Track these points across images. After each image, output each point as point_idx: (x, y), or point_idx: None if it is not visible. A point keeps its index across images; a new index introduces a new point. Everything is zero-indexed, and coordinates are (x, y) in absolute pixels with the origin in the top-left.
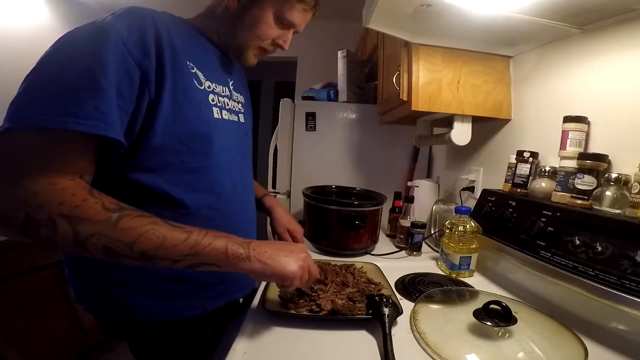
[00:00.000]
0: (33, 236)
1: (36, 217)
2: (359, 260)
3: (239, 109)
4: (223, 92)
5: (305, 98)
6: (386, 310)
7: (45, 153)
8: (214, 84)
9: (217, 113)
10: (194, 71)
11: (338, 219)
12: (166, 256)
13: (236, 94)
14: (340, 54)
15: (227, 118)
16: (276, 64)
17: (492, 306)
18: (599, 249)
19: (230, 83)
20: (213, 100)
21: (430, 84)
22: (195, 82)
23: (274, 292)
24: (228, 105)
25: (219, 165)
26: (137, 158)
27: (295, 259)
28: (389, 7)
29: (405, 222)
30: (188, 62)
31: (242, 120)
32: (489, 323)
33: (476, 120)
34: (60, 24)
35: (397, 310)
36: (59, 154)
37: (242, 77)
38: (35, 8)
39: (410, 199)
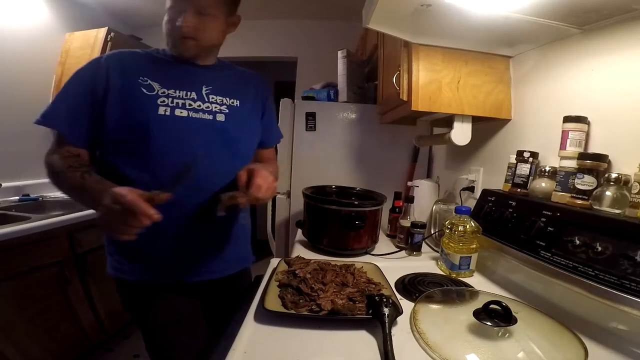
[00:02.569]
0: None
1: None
2: (359, 260)
3: (217, 109)
4: (186, 96)
5: (305, 98)
6: (386, 310)
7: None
8: (170, 90)
9: (165, 111)
10: (147, 83)
11: (338, 219)
12: (66, 183)
13: (215, 97)
14: (340, 54)
15: (182, 115)
16: (276, 64)
17: (492, 306)
18: (599, 249)
19: (204, 89)
20: (163, 101)
21: (430, 84)
22: (144, 90)
23: (274, 292)
24: (192, 105)
25: (160, 151)
26: (106, 145)
27: (101, 208)
28: (389, 7)
29: (405, 222)
30: (141, 78)
31: (220, 119)
32: (489, 323)
33: (476, 120)
34: (60, 24)
35: (397, 310)
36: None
37: (236, 83)
38: (35, 8)
39: (410, 199)
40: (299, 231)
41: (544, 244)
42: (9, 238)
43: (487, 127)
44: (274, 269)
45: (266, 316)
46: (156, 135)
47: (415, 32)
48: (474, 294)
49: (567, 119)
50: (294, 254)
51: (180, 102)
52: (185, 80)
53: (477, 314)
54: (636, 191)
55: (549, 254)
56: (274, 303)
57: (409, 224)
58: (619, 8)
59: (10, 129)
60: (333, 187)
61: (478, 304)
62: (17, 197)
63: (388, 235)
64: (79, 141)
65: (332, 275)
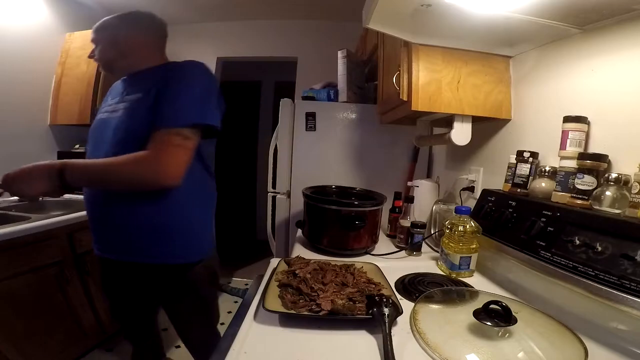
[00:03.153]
0: None
1: None
2: (359, 260)
3: (124, 106)
4: (113, 103)
5: (305, 98)
6: (386, 310)
7: None
8: (110, 101)
9: (97, 119)
10: (107, 98)
11: (338, 219)
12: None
13: (128, 97)
14: (340, 54)
15: (102, 117)
16: (276, 64)
17: (492, 306)
18: (599, 249)
19: (124, 93)
20: (100, 111)
21: (430, 84)
22: (102, 106)
23: (274, 292)
24: (110, 108)
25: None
26: None
27: None
28: (389, 7)
29: (405, 222)
30: (108, 97)
31: (120, 114)
32: (489, 323)
33: (476, 120)
34: (60, 24)
35: (397, 310)
36: None
37: (146, 79)
38: (35, 8)
39: (410, 199)
40: (299, 231)
41: (544, 244)
42: (9, 238)
43: (487, 127)
44: (274, 269)
45: (266, 316)
46: (89, 141)
47: (415, 32)
48: (474, 294)
49: (567, 119)
50: (294, 254)
51: (107, 107)
52: (119, 92)
53: (477, 314)
54: (636, 191)
55: (549, 254)
56: (274, 303)
57: (409, 224)
58: (619, 8)
59: (10, 129)
60: (333, 187)
61: (478, 304)
62: (17, 197)
63: (388, 235)
64: None
65: (332, 275)
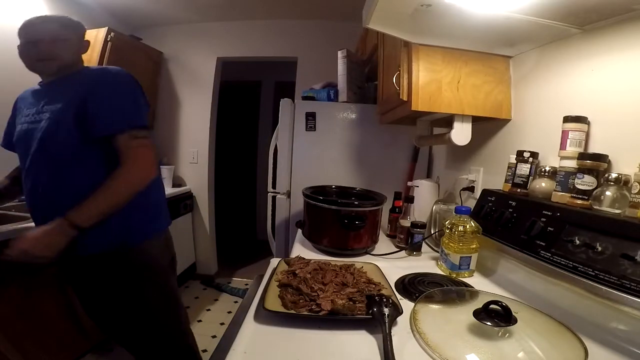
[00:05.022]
0: None
1: None
2: (359, 260)
3: (46, 116)
4: (30, 113)
5: (305, 98)
6: (386, 310)
7: None
8: (27, 111)
9: (18, 129)
10: (21, 107)
11: (338, 219)
12: None
13: (48, 107)
14: (340, 54)
15: (22, 128)
16: (276, 64)
17: (492, 306)
18: (599, 249)
19: (42, 102)
20: (19, 122)
21: (430, 84)
22: (18, 114)
23: (274, 292)
24: (30, 118)
25: (23, 170)
26: None
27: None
28: (389, 7)
29: (405, 222)
30: (20, 105)
31: (43, 124)
32: (489, 323)
33: (476, 120)
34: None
35: (397, 310)
36: None
37: (67, 87)
38: (35, 8)
39: (410, 199)
40: (299, 231)
41: (544, 244)
42: (8, 238)
43: (487, 127)
44: (274, 269)
45: (266, 316)
46: (18, 154)
47: (415, 32)
48: (474, 294)
49: (567, 119)
50: (294, 254)
51: (24, 118)
52: (33, 102)
53: (477, 314)
54: (636, 191)
55: (549, 254)
56: (274, 303)
57: (409, 224)
58: (619, 8)
59: None
60: (333, 187)
61: (478, 304)
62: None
63: (388, 235)
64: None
65: (332, 275)
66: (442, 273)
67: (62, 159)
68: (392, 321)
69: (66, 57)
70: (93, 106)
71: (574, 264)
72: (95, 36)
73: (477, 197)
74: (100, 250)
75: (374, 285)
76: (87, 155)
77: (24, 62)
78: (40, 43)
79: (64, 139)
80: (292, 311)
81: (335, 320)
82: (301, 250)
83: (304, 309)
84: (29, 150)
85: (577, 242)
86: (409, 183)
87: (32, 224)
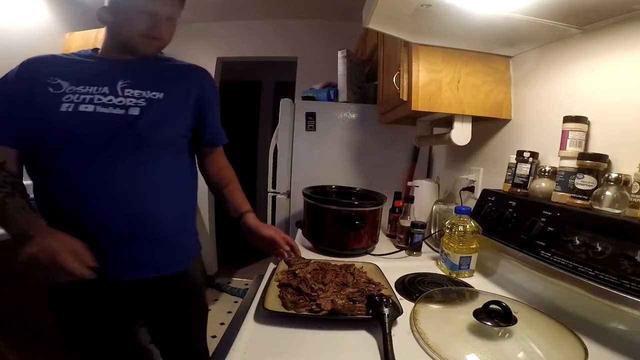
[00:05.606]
0: None
1: None
2: (359, 260)
3: (133, 103)
4: (97, 91)
5: (305, 98)
6: (386, 310)
7: None
8: (80, 87)
9: (68, 107)
10: (55, 82)
11: (338, 219)
12: None
13: (132, 91)
14: (340, 54)
15: (87, 110)
16: (276, 64)
17: (492, 306)
18: (599, 249)
19: (120, 83)
20: (68, 98)
21: (430, 84)
22: (51, 89)
23: (274, 292)
24: (101, 100)
25: (58, 146)
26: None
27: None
28: (389, 7)
29: (405, 222)
30: (51, 78)
31: (133, 112)
32: (489, 323)
33: (476, 120)
34: (60, 24)
35: (397, 310)
36: None
37: (160, 75)
38: (35, 8)
39: (410, 199)
40: (299, 231)
41: (544, 244)
42: (8, 238)
43: (487, 127)
44: (274, 269)
45: (266, 316)
46: (55, 131)
47: (415, 32)
48: (474, 294)
49: (567, 119)
50: None
51: (88, 97)
52: (99, 76)
53: (477, 314)
54: (636, 191)
55: (549, 254)
56: (274, 303)
57: (409, 224)
58: (619, 8)
59: None
60: (333, 187)
61: (478, 304)
62: None
63: (388, 235)
64: (5, 137)
65: (332, 275)
66: (442, 273)
67: (157, 156)
68: (392, 321)
69: (168, 40)
70: (213, 113)
71: (574, 264)
72: (95, 36)
73: (477, 197)
74: (173, 272)
75: (374, 285)
76: (180, 156)
77: (122, 32)
78: (157, 17)
79: (166, 134)
80: (292, 311)
81: (335, 320)
82: (301, 250)
83: (304, 309)
84: (95, 139)
85: (577, 242)
86: (409, 183)
87: None
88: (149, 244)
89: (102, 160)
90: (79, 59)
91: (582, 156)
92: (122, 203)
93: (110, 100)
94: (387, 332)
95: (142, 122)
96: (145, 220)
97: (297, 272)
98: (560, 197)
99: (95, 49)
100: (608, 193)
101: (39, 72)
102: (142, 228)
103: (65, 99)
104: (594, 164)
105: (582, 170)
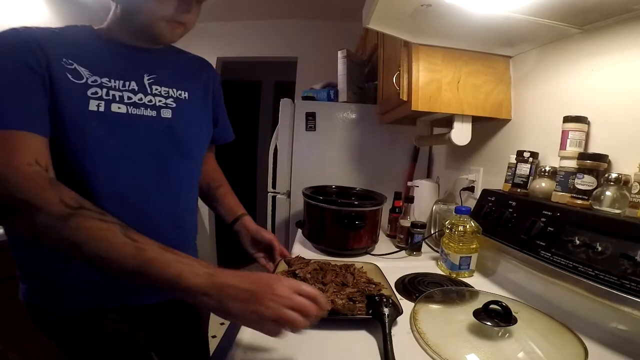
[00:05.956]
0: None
1: (9, 203)
2: (359, 260)
3: (164, 103)
4: (124, 87)
5: (305, 98)
6: (386, 310)
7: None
8: (105, 79)
9: (98, 106)
10: (72, 67)
11: (338, 219)
12: (107, 267)
13: (159, 88)
14: (340, 54)
15: (120, 111)
16: (276, 64)
17: (492, 306)
18: (599, 249)
19: (147, 78)
20: (95, 93)
21: (430, 84)
22: (70, 76)
23: None
24: (131, 99)
25: (103, 161)
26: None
27: (268, 307)
28: (389, 7)
29: (405, 222)
30: (65, 60)
31: (165, 115)
32: (489, 323)
33: (476, 120)
34: (60, 24)
35: (397, 310)
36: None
37: (184, 71)
38: (35, 8)
39: (410, 199)
40: (299, 231)
41: (544, 244)
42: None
43: (487, 127)
44: (274, 270)
45: None
46: (85, 134)
47: (415, 32)
48: (474, 294)
49: (567, 119)
50: (294, 254)
51: (117, 94)
52: (122, 67)
53: (477, 314)
54: (636, 191)
55: (549, 254)
56: None
57: (409, 224)
58: (619, 8)
59: None
60: (333, 187)
61: (478, 304)
62: None
63: (388, 235)
64: (39, 127)
65: (332, 275)
66: (442, 273)
67: (197, 165)
68: (392, 321)
69: (191, 28)
70: (223, 110)
71: (574, 264)
72: None
73: (477, 197)
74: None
75: (374, 285)
76: (201, 161)
77: (141, 15)
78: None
79: (198, 139)
80: None
81: (335, 320)
82: (301, 250)
83: None
84: (138, 144)
85: (577, 242)
86: (409, 183)
87: None
88: None
89: (141, 173)
90: (87, 39)
91: (582, 156)
92: (163, 223)
93: (141, 99)
94: (387, 332)
95: (179, 128)
96: (178, 239)
97: (297, 272)
98: (560, 197)
99: (89, 27)
100: (608, 193)
101: (53, 48)
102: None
103: (92, 94)
104: (594, 164)
105: (582, 170)
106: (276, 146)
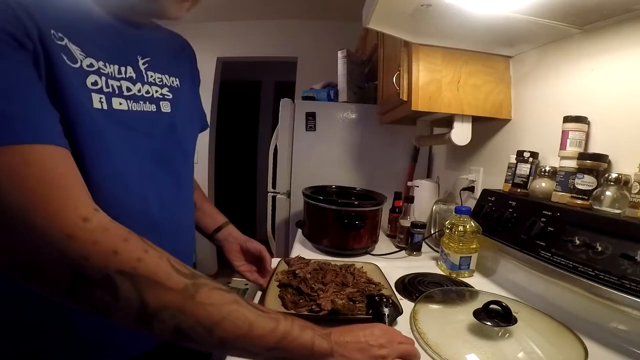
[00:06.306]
0: (83, 302)
1: (90, 275)
2: (359, 261)
3: (161, 94)
4: (120, 73)
5: (305, 98)
6: (386, 310)
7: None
8: (101, 62)
9: (100, 102)
10: (63, 43)
11: (338, 219)
12: (247, 347)
13: (155, 75)
14: (340, 54)
15: (122, 108)
16: (276, 64)
17: (492, 306)
18: (599, 249)
19: (142, 61)
20: (96, 83)
21: (430, 84)
22: (65, 57)
23: (274, 292)
24: (131, 90)
25: (115, 175)
26: None
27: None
28: (389, 7)
29: (405, 222)
30: (53, 32)
31: (165, 109)
32: (489, 323)
33: (476, 120)
34: None
35: (397, 310)
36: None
37: (173, 53)
38: None
39: (410, 199)
40: (299, 231)
41: (544, 244)
42: None
43: (487, 127)
44: (274, 269)
45: None
46: (87, 138)
47: (415, 32)
48: (474, 294)
49: (567, 119)
50: (294, 254)
51: (115, 84)
52: (116, 46)
53: (477, 314)
54: (636, 191)
55: (549, 254)
56: (274, 303)
57: (409, 224)
58: (619, 8)
59: None
60: (333, 187)
61: (478, 304)
62: None
63: (388, 235)
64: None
65: (332, 275)
66: (442, 273)
67: (187, 164)
68: (392, 321)
69: (198, 3)
70: (199, 98)
71: (574, 264)
72: None
73: (477, 197)
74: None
75: (374, 286)
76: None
77: None
78: None
79: (194, 138)
80: (292, 311)
81: (336, 320)
82: (301, 250)
83: (304, 309)
84: (144, 150)
85: (577, 242)
86: (409, 183)
87: None
88: None
89: (156, 187)
90: (71, 3)
91: (582, 156)
92: (182, 235)
93: (139, 90)
94: None
95: (179, 124)
96: (191, 249)
97: (297, 272)
98: (560, 197)
99: None
100: (608, 193)
101: (41, 14)
102: None
103: (92, 85)
104: (594, 164)
105: (582, 170)
106: (276, 146)
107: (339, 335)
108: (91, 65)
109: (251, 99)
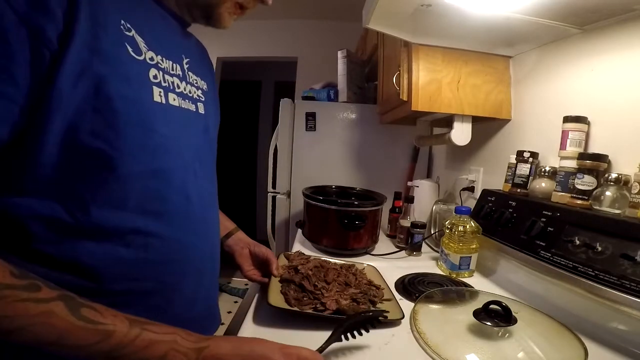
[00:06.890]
0: None
1: None
2: (359, 261)
3: (197, 95)
4: (172, 70)
5: (305, 98)
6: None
7: None
8: (159, 57)
9: (160, 96)
10: (130, 34)
11: (338, 219)
12: (70, 354)
13: (193, 76)
14: (340, 54)
15: (175, 104)
16: (276, 64)
17: (492, 306)
18: (599, 249)
19: (185, 61)
20: (156, 77)
21: (430, 84)
22: (130, 50)
23: (276, 288)
24: (179, 87)
25: (162, 170)
26: (25, 168)
27: None
28: (389, 7)
29: (405, 222)
30: (123, 22)
31: (201, 110)
32: (489, 323)
33: (476, 120)
34: None
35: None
36: None
37: (201, 57)
38: None
39: (410, 199)
40: (299, 231)
41: (544, 244)
42: None
43: (487, 127)
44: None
45: (266, 316)
46: (156, 139)
47: (415, 32)
48: (474, 294)
49: (567, 119)
50: None
51: (170, 80)
52: (171, 43)
53: (477, 314)
54: (636, 191)
55: (549, 254)
56: (276, 299)
57: (409, 224)
58: (619, 8)
59: None
60: (333, 187)
61: (478, 304)
62: None
63: (388, 235)
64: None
65: (334, 274)
66: (442, 273)
67: (215, 165)
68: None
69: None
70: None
71: (574, 264)
72: None
73: (477, 197)
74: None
75: (375, 288)
76: None
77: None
78: None
79: (216, 137)
80: (296, 308)
81: (337, 320)
82: (301, 250)
83: (307, 307)
84: (166, 141)
85: (577, 242)
86: (409, 183)
87: None
88: (215, 294)
89: (190, 182)
90: None
91: (582, 156)
92: (217, 238)
93: (185, 89)
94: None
95: (212, 127)
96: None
97: (298, 267)
98: (560, 197)
99: None
100: (608, 193)
101: (101, 2)
102: (215, 284)
103: (153, 78)
104: (594, 164)
105: (582, 170)
106: (276, 146)
107: (217, 347)
108: (152, 58)
109: (251, 99)
